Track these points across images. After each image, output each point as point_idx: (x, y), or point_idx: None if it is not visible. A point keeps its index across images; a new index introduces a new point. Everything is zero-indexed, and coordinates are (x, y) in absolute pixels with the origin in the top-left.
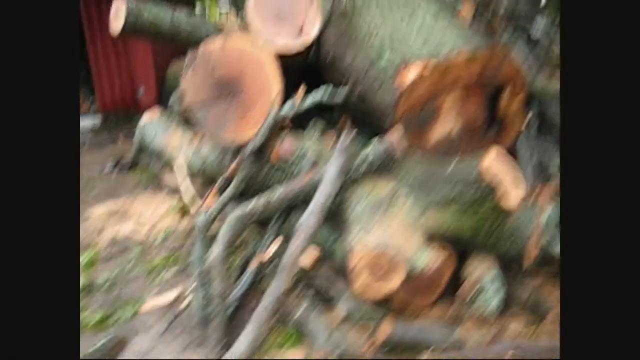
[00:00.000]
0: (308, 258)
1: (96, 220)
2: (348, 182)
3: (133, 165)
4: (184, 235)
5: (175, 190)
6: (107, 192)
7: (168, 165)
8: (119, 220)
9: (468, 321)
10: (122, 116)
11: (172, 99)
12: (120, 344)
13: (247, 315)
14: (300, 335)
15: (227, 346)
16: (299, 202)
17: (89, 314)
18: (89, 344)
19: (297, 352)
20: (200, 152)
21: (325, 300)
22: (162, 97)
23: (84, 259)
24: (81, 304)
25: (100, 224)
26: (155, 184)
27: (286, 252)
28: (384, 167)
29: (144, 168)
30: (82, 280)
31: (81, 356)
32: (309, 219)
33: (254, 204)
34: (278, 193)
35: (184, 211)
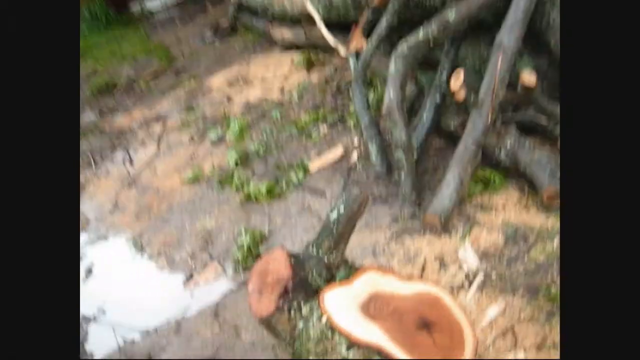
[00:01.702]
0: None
1: (219, 91)
2: None
3: (233, 29)
4: (321, 88)
5: (290, 45)
6: (216, 61)
7: (275, 19)
8: (243, 88)
9: None
10: None
11: None
12: (365, 200)
13: (432, 160)
14: (503, 177)
15: (419, 199)
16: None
17: (253, 186)
18: (263, 220)
19: (499, 198)
20: None
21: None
22: None
23: (231, 130)
24: (242, 177)
25: (225, 94)
26: (263, 44)
27: (486, 77)
28: None
29: (245, 30)
30: (235, 154)
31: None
32: (509, 35)
33: (426, 31)
34: (455, 12)
35: (310, 63)
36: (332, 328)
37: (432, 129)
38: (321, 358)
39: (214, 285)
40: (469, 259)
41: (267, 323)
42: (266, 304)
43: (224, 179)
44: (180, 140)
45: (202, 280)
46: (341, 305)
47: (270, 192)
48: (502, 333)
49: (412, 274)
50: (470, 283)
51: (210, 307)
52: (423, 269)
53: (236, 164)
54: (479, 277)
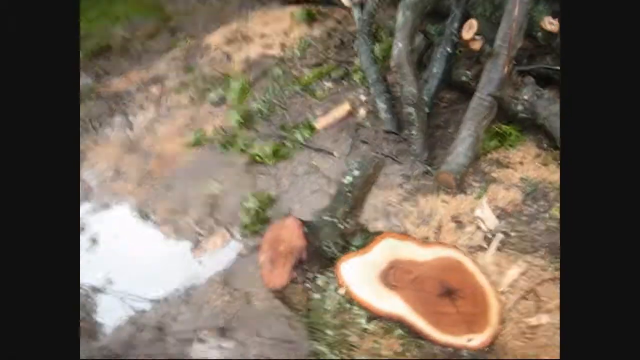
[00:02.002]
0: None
1: (218, 50)
2: None
3: None
4: (323, 43)
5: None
6: (213, 19)
7: None
8: (242, 45)
9: None
10: None
11: None
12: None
13: (443, 115)
14: (520, 132)
15: (431, 156)
16: None
17: (258, 148)
18: (269, 183)
19: (517, 154)
20: None
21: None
22: None
23: (232, 89)
24: (246, 138)
25: (224, 53)
26: None
27: (502, 26)
28: None
29: None
30: (237, 115)
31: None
32: None
33: None
34: None
35: (311, 17)
36: (350, 300)
37: (443, 82)
38: (340, 331)
39: (222, 252)
40: (487, 218)
41: (281, 295)
42: (279, 276)
43: (228, 141)
44: (180, 102)
45: (209, 247)
46: (359, 275)
47: (276, 153)
48: (524, 295)
49: (428, 236)
50: (489, 244)
51: (219, 274)
52: (439, 230)
53: (239, 125)
54: (498, 237)
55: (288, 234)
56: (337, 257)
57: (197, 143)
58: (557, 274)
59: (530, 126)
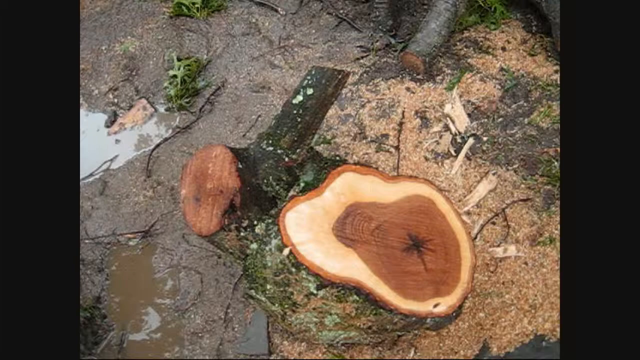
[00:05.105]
0: None
1: None
2: None
3: None
4: None
5: None
6: None
7: None
8: None
9: None
10: None
11: None
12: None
13: None
14: (505, 7)
15: (396, 25)
16: None
17: None
18: (199, 43)
19: (500, 36)
20: None
21: None
22: None
23: None
24: None
25: None
26: None
27: None
28: None
29: None
30: None
31: None
32: None
33: None
34: None
35: None
36: (296, 264)
37: None
38: (282, 288)
39: (144, 130)
40: (457, 116)
41: (209, 239)
42: (206, 219)
43: None
44: None
45: (128, 123)
46: (308, 229)
47: (207, 3)
48: (491, 218)
49: (387, 133)
50: (458, 149)
51: (140, 159)
52: (400, 127)
53: None
54: (469, 143)
55: (218, 168)
56: (281, 198)
57: None
58: (530, 194)
59: (521, 1)
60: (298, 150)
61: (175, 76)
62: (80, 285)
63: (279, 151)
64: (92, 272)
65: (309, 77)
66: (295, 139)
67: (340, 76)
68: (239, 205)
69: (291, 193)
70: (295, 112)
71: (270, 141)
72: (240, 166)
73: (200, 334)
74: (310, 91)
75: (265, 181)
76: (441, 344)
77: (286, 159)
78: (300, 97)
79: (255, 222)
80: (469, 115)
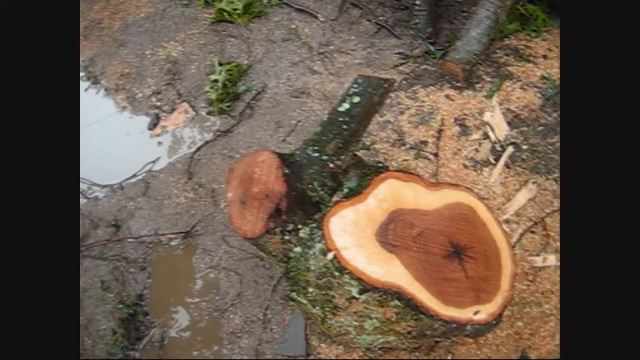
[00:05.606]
0: None
1: None
2: None
3: None
4: None
5: None
6: None
7: None
8: None
9: None
10: None
11: None
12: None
13: None
14: (547, 15)
15: (435, 33)
16: None
17: (226, 1)
18: (240, 49)
19: (541, 44)
20: None
21: None
22: None
23: None
24: None
25: None
26: None
27: None
28: None
29: None
30: None
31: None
32: None
33: None
34: None
35: None
36: (340, 268)
37: None
38: (324, 292)
39: (185, 133)
40: (497, 124)
41: (254, 242)
42: (252, 223)
43: None
44: None
45: (170, 126)
46: (352, 234)
47: (248, 9)
48: (531, 227)
49: (426, 140)
50: (497, 157)
51: (181, 161)
52: (439, 134)
53: None
54: (508, 151)
55: (264, 173)
56: (325, 203)
57: None
58: None
59: (562, 9)
60: (342, 157)
61: (216, 80)
62: (124, 282)
63: (324, 157)
64: (135, 270)
65: (355, 86)
66: (341, 145)
67: (386, 85)
68: (285, 209)
69: (335, 198)
70: (341, 119)
71: (316, 147)
72: (286, 171)
73: (239, 334)
74: (356, 99)
75: (310, 186)
76: (478, 352)
77: (331, 165)
78: (346, 105)
79: (300, 226)
80: (508, 123)
